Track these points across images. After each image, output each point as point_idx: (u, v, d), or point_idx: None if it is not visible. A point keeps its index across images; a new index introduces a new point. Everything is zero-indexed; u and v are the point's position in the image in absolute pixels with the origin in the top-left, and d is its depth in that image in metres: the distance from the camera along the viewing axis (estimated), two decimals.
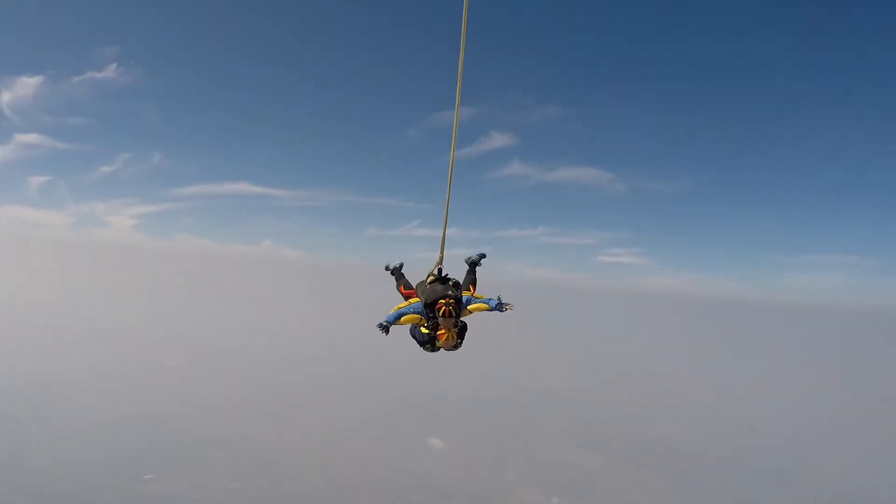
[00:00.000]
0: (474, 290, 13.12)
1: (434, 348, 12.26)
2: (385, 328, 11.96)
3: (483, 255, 14.02)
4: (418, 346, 12.43)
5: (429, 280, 13.16)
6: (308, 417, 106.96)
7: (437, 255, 13.25)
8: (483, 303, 12.34)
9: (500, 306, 12.01)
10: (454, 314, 11.76)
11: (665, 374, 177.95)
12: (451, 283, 12.87)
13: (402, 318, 12.26)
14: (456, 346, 12.28)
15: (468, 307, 12.26)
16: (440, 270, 13.20)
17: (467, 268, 13.87)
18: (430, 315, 12.09)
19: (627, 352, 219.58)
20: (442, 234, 13.20)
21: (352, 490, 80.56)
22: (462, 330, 12.23)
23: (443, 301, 11.89)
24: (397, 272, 14.05)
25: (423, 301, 12.33)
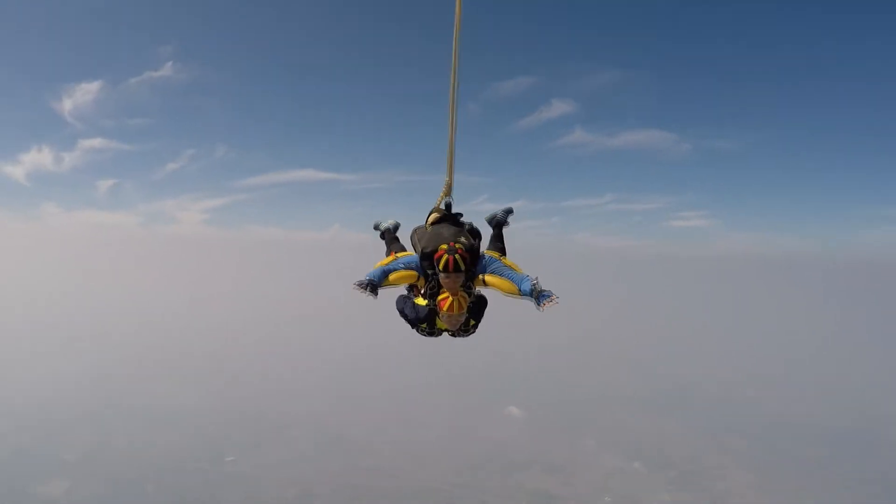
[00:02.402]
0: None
1: (433, 328, 9.04)
2: (369, 287, 8.53)
3: (510, 212, 10.42)
4: (409, 325, 9.23)
5: (430, 220, 9.78)
6: (383, 393, 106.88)
7: (444, 182, 9.78)
8: (512, 279, 8.70)
9: (536, 295, 8.28)
10: (463, 266, 8.47)
11: (742, 338, 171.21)
12: (465, 226, 9.59)
13: (392, 276, 8.93)
14: (468, 328, 9.04)
15: (486, 276, 8.83)
16: (448, 206, 9.81)
17: (491, 230, 10.24)
18: (430, 272, 8.88)
19: (702, 317, 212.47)
20: (449, 149, 9.64)
21: (430, 462, 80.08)
22: (478, 305, 9.03)
23: (445, 247, 8.58)
24: (389, 235, 10.37)
25: (421, 250, 9.10)
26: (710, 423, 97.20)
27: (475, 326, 9.08)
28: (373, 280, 8.64)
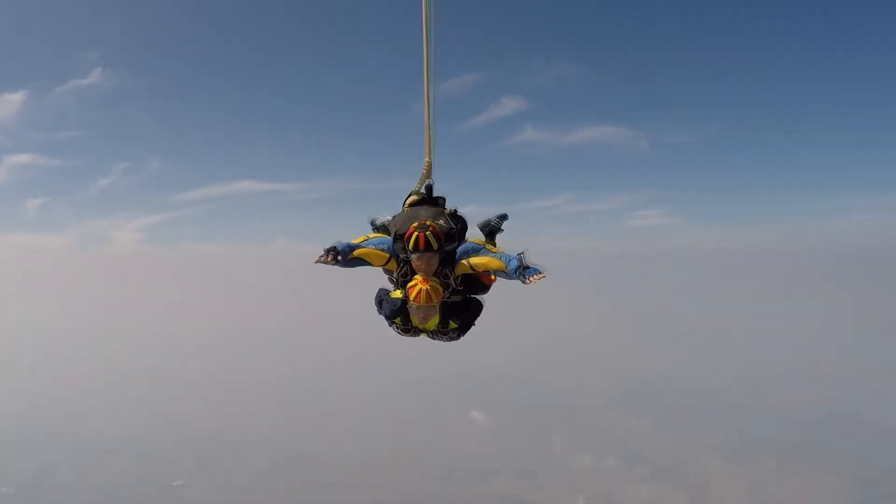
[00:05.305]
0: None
1: (408, 324, 7.98)
2: (331, 253, 7.36)
3: (505, 217, 9.58)
4: (386, 322, 8.17)
5: (408, 203, 9.01)
6: (339, 407, 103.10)
7: (424, 162, 9.00)
8: (497, 258, 7.76)
9: (521, 272, 7.30)
10: (435, 245, 7.48)
11: (710, 331, 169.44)
12: (447, 211, 8.59)
13: (358, 252, 7.84)
14: (447, 329, 8.07)
15: (471, 260, 7.86)
16: (430, 189, 9.00)
17: (483, 238, 9.28)
18: (403, 255, 7.87)
19: (668, 313, 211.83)
20: (426, 125, 8.80)
21: (394, 474, 77.22)
22: (464, 307, 8.05)
23: (416, 224, 7.59)
24: (385, 231, 9.04)
25: (394, 232, 8.14)
26: (682, 416, 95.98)
27: (459, 330, 8.11)
28: (336, 247, 7.51)
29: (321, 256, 7.32)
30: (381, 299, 8.07)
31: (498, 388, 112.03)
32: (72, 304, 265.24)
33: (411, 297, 7.52)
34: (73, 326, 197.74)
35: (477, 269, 7.84)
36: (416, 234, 7.45)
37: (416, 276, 7.65)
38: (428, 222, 7.65)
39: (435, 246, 7.46)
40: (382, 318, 8.18)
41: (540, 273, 7.21)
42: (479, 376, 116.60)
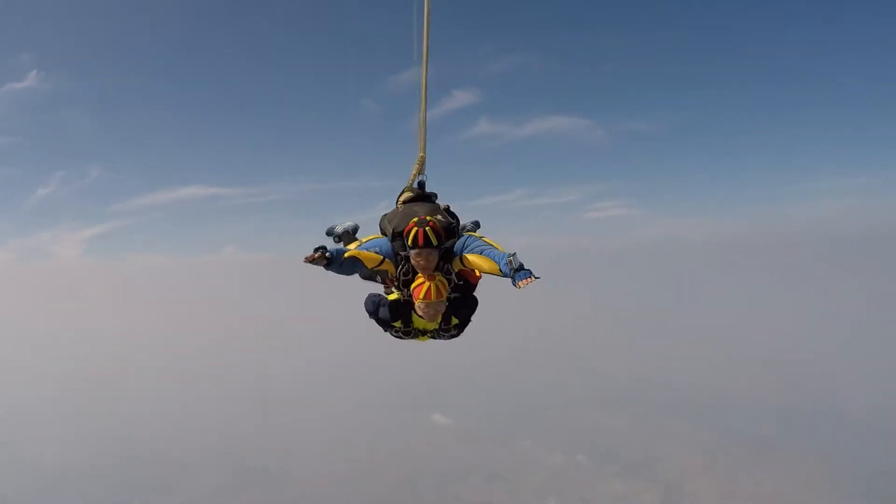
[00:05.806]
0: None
1: (409, 326, 7.99)
2: (322, 252, 7.09)
3: (477, 225, 9.39)
4: (381, 327, 8.15)
5: (402, 200, 8.83)
6: (299, 419, 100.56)
7: (416, 157, 9.04)
8: (493, 257, 7.54)
9: (512, 273, 7.16)
10: (435, 241, 7.40)
11: (676, 323, 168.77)
12: (441, 207, 8.61)
13: (352, 253, 7.63)
14: (449, 326, 8.05)
15: (466, 255, 7.71)
16: (422, 185, 8.95)
17: None
18: (402, 253, 7.73)
19: (631, 306, 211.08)
20: (421, 119, 9.01)
21: (359, 483, 75.42)
22: (463, 302, 7.99)
23: (415, 220, 7.51)
24: (348, 239, 9.03)
25: (392, 231, 8.01)
26: (655, 412, 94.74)
27: (459, 326, 8.11)
28: (325, 246, 7.16)
29: (311, 255, 7.09)
30: (377, 303, 7.95)
31: (463, 390, 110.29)
32: (15, 323, 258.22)
33: (420, 296, 7.43)
34: (16, 344, 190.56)
35: (470, 266, 7.69)
36: (415, 229, 7.39)
37: (418, 276, 7.55)
38: (427, 218, 7.58)
39: (435, 242, 7.39)
40: (376, 322, 8.04)
41: (530, 277, 7.05)
42: (444, 379, 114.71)
